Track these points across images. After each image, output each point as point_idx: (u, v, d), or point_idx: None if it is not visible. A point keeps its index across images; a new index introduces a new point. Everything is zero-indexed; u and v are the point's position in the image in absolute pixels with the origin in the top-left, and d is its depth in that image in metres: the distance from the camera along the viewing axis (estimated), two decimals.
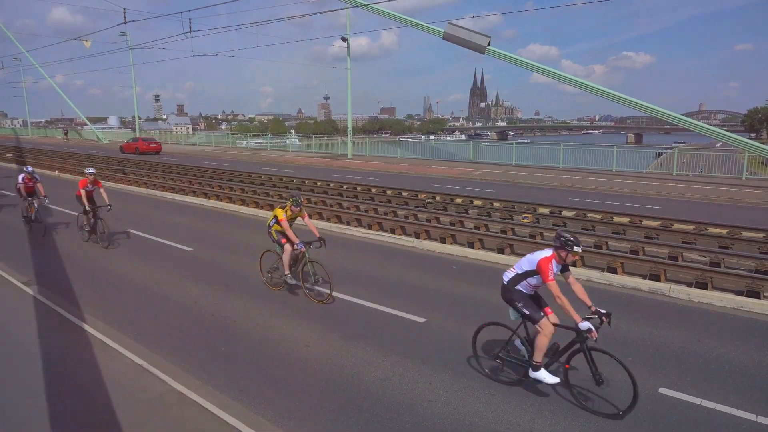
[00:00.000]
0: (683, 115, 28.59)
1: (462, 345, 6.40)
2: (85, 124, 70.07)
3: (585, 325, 4.72)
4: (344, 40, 32.80)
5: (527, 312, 5.11)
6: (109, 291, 8.58)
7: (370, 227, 12.95)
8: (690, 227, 11.85)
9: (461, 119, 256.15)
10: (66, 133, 66.20)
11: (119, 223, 13.78)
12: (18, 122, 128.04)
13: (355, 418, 4.90)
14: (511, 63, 26.97)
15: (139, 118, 63.15)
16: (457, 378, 5.60)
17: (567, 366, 5.11)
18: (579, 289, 5.04)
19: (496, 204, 15.22)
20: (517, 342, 5.42)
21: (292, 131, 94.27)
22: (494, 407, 5.04)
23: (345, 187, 19.18)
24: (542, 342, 5.03)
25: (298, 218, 8.26)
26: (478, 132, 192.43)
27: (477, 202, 15.62)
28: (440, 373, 5.72)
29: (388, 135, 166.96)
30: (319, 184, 19.97)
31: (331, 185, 19.61)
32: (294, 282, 8.04)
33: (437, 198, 16.44)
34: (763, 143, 27.07)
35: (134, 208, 16.42)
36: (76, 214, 12.31)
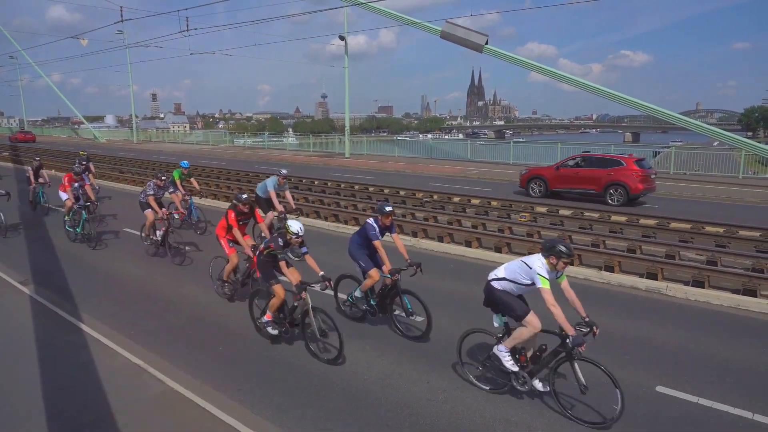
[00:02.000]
0: (680, 113, 28.70)
1: None
2: (82, 123, 69.82)
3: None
4: (342, 38, 32.76)
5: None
6: (107, 290, 8.55)
7: None
8: (687, 226, 11.89)
9: (459, 118, 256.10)
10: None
11: (117, 222, 13.75)
12: (15, 121, 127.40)
13: (354, 417, 4.90)
14: (509, 62, 27.01)
15: (136, 116, 62.95)
16: (455, 377, 5.61)
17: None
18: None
19: (494, 203, 15.24)
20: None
21: (290, 130, 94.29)
22: (492, 406, 5.05)
23: (342, 185, 19.17)
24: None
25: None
26: (475, 131, 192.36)
27: (474, 201, 15.64)
28: (438, 371, 5.73)
29: (385, 134, 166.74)
30: (316, 182, 19.95)
31: (329, 184, 19.60)
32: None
33: (435, 197, 16.45)
34: (759, 142, 27.15)
35: (131, 207, 16.36)
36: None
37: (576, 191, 16.79)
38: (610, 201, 15.97)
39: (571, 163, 17.58)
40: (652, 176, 16.67)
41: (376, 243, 6.53)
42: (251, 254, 7.26)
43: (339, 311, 7.21)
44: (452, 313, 7.41)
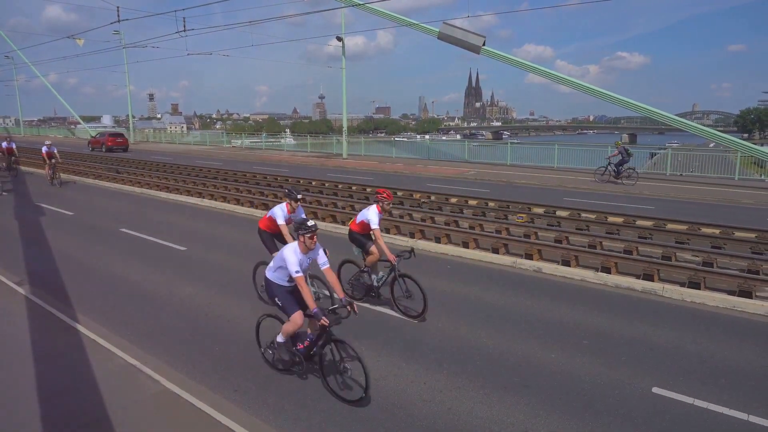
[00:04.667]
0: (677, 115, 28.65)
1: (458, 345, 6.42)
2: (79, 123, 69.60)
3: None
4: (339, 39, 32.73)
5: None
6: (102, 291, 8.53)
7: None
8: (683, 227, 11.92)
9: (456, 119, 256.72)
10: None
11: (113, 222, 13.71)
12: (10, 121, 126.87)
13: (350, 418, 4.90)
14: (506, 63, 27.00)
15: (133, 117, 62.76)
16: (452, 378, 5.61)
17: None
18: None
19: (491, 204, 15.25)
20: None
21: (287, 130, 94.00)
22: (489, 407, 5.05)
23: (340, 186, 19.16)
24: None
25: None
26: (473, 132, 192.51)
27: (472, 202, 15.65)
28: (435, 372, 5.73)
29: (383, 134, 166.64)
30: (314, 183, 19.93)
31: (326, 185, 19.57)
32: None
33: (432, 198, 16.45)
34: (755, 144, 27.28)
35: (128, 207, 16.34)
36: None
37: (97, 148, 39.03)
38: (105, 151, 37.85)
39: (97, 136, 42.38)
40: (119, 140, 39.81)
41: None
42: None
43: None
44: (450, 313, 7.41)
